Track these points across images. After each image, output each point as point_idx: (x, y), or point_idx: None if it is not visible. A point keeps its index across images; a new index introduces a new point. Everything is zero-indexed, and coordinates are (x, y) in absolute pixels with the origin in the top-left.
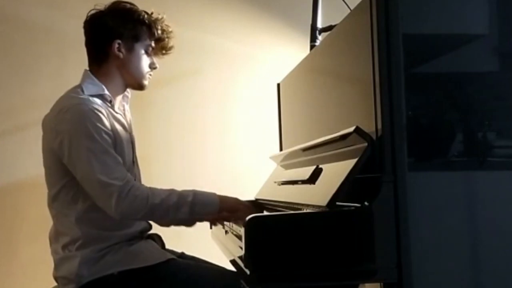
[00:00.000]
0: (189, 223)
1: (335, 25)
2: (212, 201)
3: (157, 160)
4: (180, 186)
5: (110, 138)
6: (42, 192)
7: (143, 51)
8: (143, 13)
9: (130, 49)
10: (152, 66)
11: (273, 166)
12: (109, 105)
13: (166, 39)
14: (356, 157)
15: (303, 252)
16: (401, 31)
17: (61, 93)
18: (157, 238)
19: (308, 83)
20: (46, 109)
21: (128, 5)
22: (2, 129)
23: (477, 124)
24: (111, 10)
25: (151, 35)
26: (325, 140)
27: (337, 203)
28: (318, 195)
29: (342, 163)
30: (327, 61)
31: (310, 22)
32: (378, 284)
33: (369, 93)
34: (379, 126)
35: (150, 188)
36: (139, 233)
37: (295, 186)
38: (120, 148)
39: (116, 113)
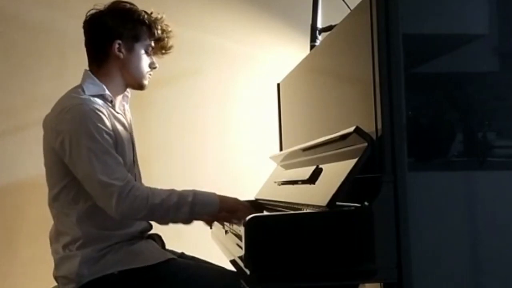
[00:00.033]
0: (187, 221)
1: (335, 25)
2: (212, 201)
3: (157, 160)
4: (180, 186)
5: (111, 138)
6: (42, 192)
7: (143, 51)
8: (143, 13)
9: (130, 49)
10: (152, 66)
11: (273, 166)
12: (110, 105)
13: (166, 39)
14: (356, 157)
15: (303, 252)
16: (401, 31)
17: (61, 93)
18: (157, 238)
19: (308, 83)
20: (46, 109)
21: (128, 5)
22: (2, 129)
23: (477, 124)
24: (111, 10)
25: (151, 35)
26: (325, 140)
27: (337, 203)
28: (318, 195)
29: (342, 163)
30: (327, 61)
31: (310, 22)
32: (378, 284)
33: (369, 93)
34: (379, 126)
35: (150, 188)
36: (139, 233)
37: (295, 186)
38: (121, 148)
39: (117, 113)
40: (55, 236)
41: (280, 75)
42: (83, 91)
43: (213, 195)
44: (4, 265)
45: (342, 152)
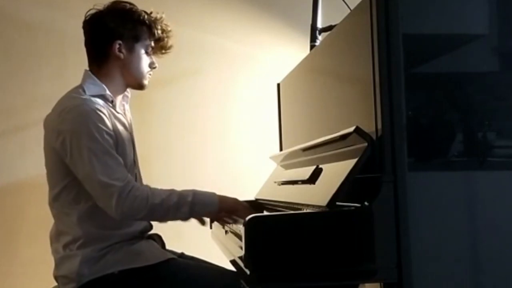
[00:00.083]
0: (187, 220)
1: (335, 25)
2: (212, 201)
3: (157, 160)
4: (180, 186)
5: (111, 139)
6: (42, 192)
7: (143, 51)
8: (143, 13)
9: (131, 50)
10: (152, 66)
11: (273, 166)
12: (111, 105)
13: (166, 39)
14: (356, 157)
15: (303, 252)
16: (401, 31)
17: (61, 93)
18: (158, 238)
19: (308, 83)
20: (46, 109)
21: (128, 5)
22: (2, 129)
23: (477, 124)
24: (111, 10)
25: (151, 35)
26: (325, 140)
27: (337, 203)
28: (318, 195)
29: (342, 163)
30: (327, 61)
31: (310, 22)
32: (378, 284)
33: (369, 93)
34: (379, 126)
35: (150, 188)
36: (139, 232)
37: (295, 186)
38: (121, 148)
39: (118, 113)
40: (56, 235)
41: (280, 75)
42: (84, 91)
43: (213, 195)
44: (4, 265)
45: (342, 152)
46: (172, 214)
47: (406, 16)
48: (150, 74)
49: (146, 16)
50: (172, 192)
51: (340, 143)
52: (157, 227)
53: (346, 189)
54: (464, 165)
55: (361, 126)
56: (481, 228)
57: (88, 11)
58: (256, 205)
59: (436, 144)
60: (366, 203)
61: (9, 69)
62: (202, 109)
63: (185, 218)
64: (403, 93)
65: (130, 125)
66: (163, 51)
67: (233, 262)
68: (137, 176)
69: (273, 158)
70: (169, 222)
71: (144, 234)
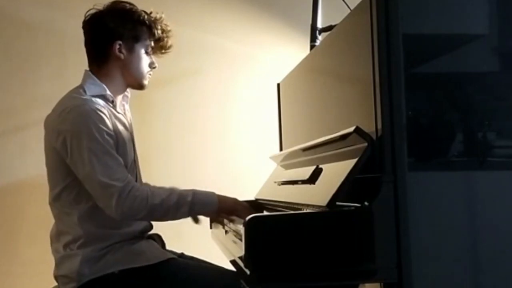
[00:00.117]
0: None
1: (335, 25)
2: (211, 201)
3: (157, 160)
4: (180, 186)
5: (112, 139)
6: (42, 192)
7: (143, 51)
8: (143, 13)
9: (131, 50)
10: (152, 66)
11: (273, 166)
12: (111, 105)
13: (166, 39)
14: (356, 157)
15: (303, 252)
16: (401, 31)
17: (62, 93)
18: (158, 238)
19: (308, 83)
20: (46, 109)
21: (128, 5)
22: (2, 129)
23: (477, 124)
24: (111, 10)
25: (151, 35)
26: (325, 140)
27: (337, 203)
28: (318, 195)
29: (342, 163)
30: (327, 61)
31: (310, 22)
32: (378, 284)
33: (369, 93)
34: (379, 126)
35: (150, 188)
36: (139, 232)
37: (295, 186)
38: (122, 149)
39: (118, 113)
40: (56, 235)
41: (280, 75)
42: (84, 91)
43: (213, 194)
44: (4, 265)
45: (342, 152)
46: (172, 214)
47: (406, 16)
48: (150, 74)
49: (146, 16)
50: (172, 192)
51: (340, 143)
52: (157, 227)
53: (346, 189)
54: (464, 165)
55: (361, 126)
56: (481, 228)
57: (88, 11)
58: (256, 205)
59: (436, 144)
60: (366, 203)
61: (9, 69)
62: (202, 109)
63: (185, 217)
64: (403, 93)
65: (130, 125)
66: (163, 51)
67: (233, 262)
68: (137, 176)
69: (273, 158)
70: (169, 222)
71: (144, 234)
